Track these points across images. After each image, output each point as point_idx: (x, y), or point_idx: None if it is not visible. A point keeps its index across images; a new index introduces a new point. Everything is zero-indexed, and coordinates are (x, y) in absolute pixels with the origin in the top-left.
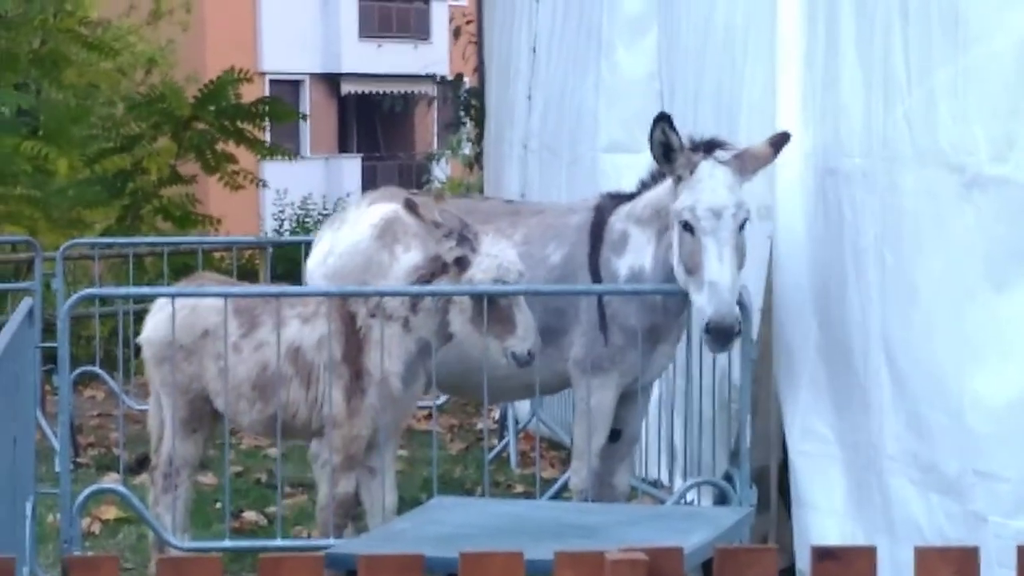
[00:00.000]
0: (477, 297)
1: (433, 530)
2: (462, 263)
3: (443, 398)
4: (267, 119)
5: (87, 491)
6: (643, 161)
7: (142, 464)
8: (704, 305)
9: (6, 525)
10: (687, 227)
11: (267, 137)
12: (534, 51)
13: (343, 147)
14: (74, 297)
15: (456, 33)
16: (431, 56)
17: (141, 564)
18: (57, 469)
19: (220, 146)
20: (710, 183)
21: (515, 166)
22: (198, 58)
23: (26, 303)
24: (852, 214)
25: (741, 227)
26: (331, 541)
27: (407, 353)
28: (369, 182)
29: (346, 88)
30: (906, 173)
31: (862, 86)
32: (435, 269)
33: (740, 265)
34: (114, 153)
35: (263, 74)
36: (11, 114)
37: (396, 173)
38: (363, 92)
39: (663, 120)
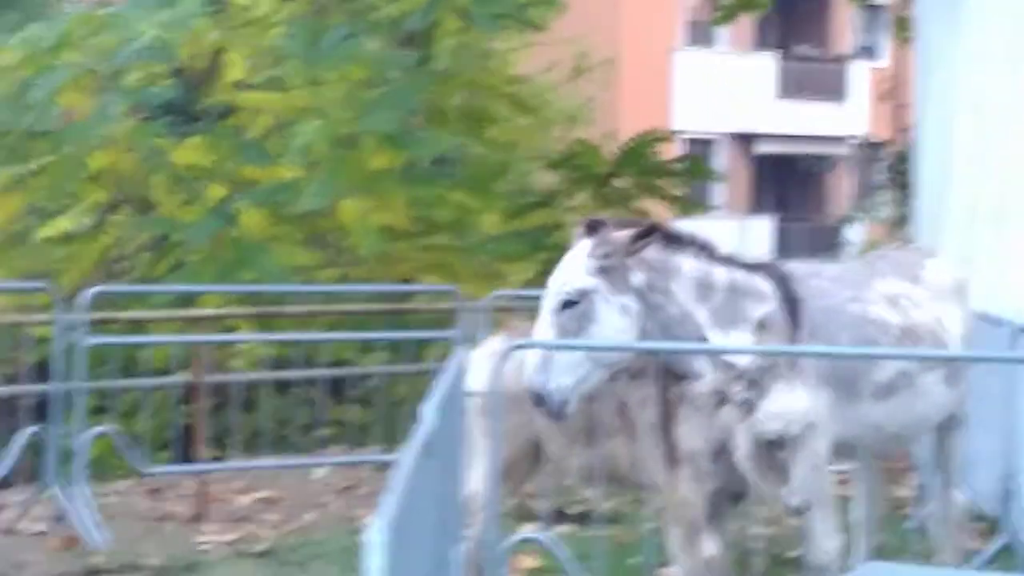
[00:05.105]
0: (757, 443)
1: None
2: (748, 406)
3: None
4: (681, 177)
5: (513, 539)
6: None
7: (560, 514)
8: None
9: (435, 571)
10: None
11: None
12: (977, 114)
13: (755, 207)
14: (508, 347)
15: (884, 96)
16: (848, 117)
17: None
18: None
19: (637, 203)
20: (562, 263)
21: (955, 232)
22: (613, 116)
23: (460, 353)
24: None
25: (565, 305)
26: None
27: (714, 439)
28: (781, 243)
29: (760, 148)
30: None
31: None
32: (719, 400)
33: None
34: (534, 208)
35: (676, 133)
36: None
37: (808, 235)
38: (777, 152)
39: None
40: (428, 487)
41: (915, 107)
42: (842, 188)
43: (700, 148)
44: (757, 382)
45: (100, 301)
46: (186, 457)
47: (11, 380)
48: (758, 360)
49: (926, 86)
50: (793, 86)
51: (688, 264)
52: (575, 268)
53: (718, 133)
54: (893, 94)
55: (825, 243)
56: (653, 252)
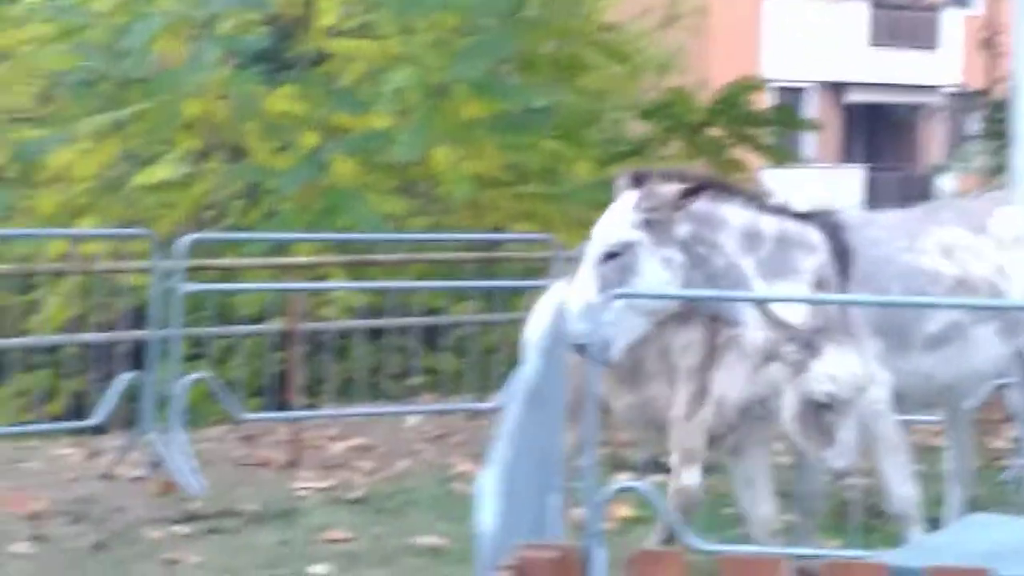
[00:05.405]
0: (805, 403)
1: (974, 547)
2: (799, 366)
3: None
4: (774, 127)
5: (611, 488)
6: None
7: (654, 464)
8: None
9: (535, 518)
10: None
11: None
12: None
13: (846, 157)
14: (605, 297)
15: (984, 45)
16: (940, 66)
17: None
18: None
19: (729, 153)
20: (607, 215)
21: None
22: (703, 63)
23: (560, 301)
24: None
25: (607, 257)
26: (859, 552)
27: (751, 391)
28: (872, 193)
29: (851, 97)
30: None
31: None
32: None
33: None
34: (626, 157)
35: (767, 81)
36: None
37: (899, 184)
38: (869, 101)
39: None
40: (531, 435)
41: (1012, 56)
42: (934, 138)
43: (790, 97)
44: (810, 342)
45: (195, 249)
46: (280, 404)
47: (108, 327)
48: (811, 319)
49: None
50: (885, 34)
51: (736, 215)
52: (619, 220)
53: (809, 81)
54: (989, 43)
55: (916, 193)
56: (700, 204)
